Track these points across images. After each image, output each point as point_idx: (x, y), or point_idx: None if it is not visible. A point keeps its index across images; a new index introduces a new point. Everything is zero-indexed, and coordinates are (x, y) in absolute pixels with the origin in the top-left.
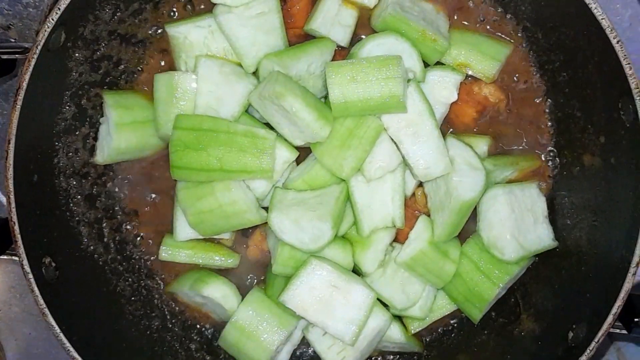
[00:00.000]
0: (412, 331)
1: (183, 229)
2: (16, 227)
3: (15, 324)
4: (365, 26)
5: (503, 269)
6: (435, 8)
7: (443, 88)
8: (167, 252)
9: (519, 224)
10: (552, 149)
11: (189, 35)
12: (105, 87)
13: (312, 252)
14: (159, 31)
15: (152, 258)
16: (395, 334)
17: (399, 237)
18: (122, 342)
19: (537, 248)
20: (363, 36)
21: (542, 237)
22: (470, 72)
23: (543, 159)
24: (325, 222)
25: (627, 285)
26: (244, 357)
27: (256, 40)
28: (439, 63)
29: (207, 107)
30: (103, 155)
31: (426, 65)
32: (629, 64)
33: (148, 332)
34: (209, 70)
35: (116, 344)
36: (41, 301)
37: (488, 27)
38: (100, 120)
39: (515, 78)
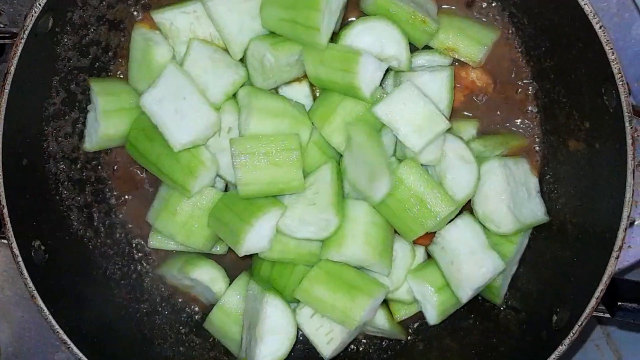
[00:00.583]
0: (398, 319)
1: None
2: (5, 211)
3: (8, 307)
4: (354, 9)
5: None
6: None
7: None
8: (157, 240)
9: (514, 197)
10: (538, 133)
11: (174, 21)
12: (94, 73)
13: (326, 238)
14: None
15: (141, 242)
16: (380, 320)
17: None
18: (111, 326)
19: (531, 221)
20: (352, 19)
21: (535, 210)
22: (457, 57)
23: (530, 142)
24: (328, 212)
25: (609, 269)
26: (229, 341)
27: (243, 27)
28: (426, 47)
29: None
30: (91, 142)
31: (415, 49)
32: (611, 49)
33: (138, 315)
34: (200, 55)
35: (106, 327)
36: (30, 284)
37: (475, 12)
38: (87, 108)
39: (502, 63)
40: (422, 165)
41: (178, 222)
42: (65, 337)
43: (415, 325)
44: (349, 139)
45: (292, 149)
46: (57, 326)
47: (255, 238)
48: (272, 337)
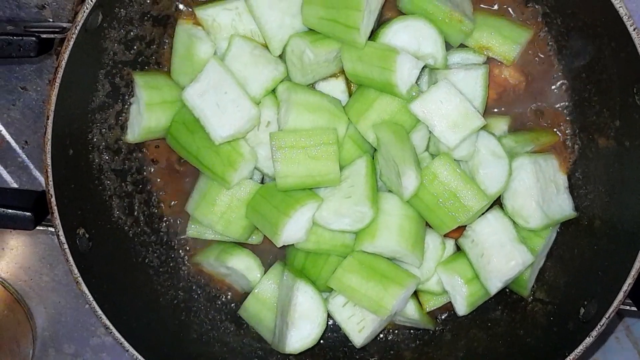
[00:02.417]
0: (427, 309)
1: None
2: (53, 200)
3: (45, 293)
4: (392, 8)
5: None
6: None
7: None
8: (194, 229)
9: (543, 193)
10: (568, 131)
11: (217, 17)
12: (137, 66)
13: (360, 230)
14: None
15: (179, 231)
16: (410, 310)
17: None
18: (150, 312)
19: (559, 217)
20: (389, 17)
21: (563, 206)
22: (491, 55)
23: (561, 139)
24: (363, 205)
25: (637, 264)
26: (262, 328)
27: (283, 24)
28: (461, 46)
29: None
30: (134, 134)
31: (449, 47)
32: None
33: (175, 302)
34: (241, 51)
35: (144, 313)
36: (75, 270)
37: (510, 11)
38: (130, 100)
39: (534, 61)
40: (455, 160)
41: (217, 213)
42: (107, 322)
43: (444, 316)
44: (377, 139)
45: (329, 143)
46: (99, 311)
47: (293, 229)
48: (303, 323)
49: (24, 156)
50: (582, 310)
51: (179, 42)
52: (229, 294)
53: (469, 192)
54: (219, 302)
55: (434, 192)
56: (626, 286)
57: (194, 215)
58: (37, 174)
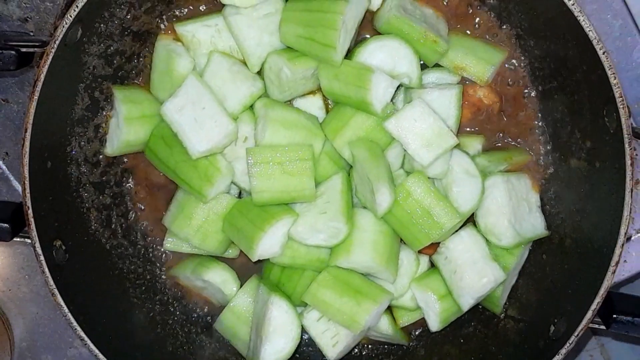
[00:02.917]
0: (401, 325)
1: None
2: (30, 212)
3: (23, 304)
4: (368, 27)
5: (506, 254)
6: (436, 13)
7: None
8: (171, 243)
9: (515, 212)
10: (541, 150)
11: (196, 33)
12: (117, 81)
13: (335, 245)
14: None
15: (156, 244)
16: (384, 326)
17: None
18: (126, 324)
19: (531, 235)
20: (367, 36)
21: (535, 225)
22: (465, 75)
23: (534, 159)
24: (338, 221)
25: (606, 283)
26: (238, 342)
27: (262, 41)
28: (436, 65)
29: None
30: (112, 147)
31: (425, 67)
32: (613, 73)
33: (151, 315)
34: (220, 66)
35: (120, 325)
36: (51, 282)
37: (484, 34)
38: (110, 114)
39: (508, 82)
40: (429, 178)
41: (193, 226)
42: (82, 334)
43: (418, 332)
44: (353, 156)
45: (305, 159)
46: (75, 323)
47: (268, 244)
48: (277, 337)
49: (4, 167)
50: (552, 328)
51: (158, 58)
52: (205, 307)
53: (442, 210)
54: (195, 315)
55: (407, 210)
56: (595, 305)
57: (171, 228)
58: (17, 185)
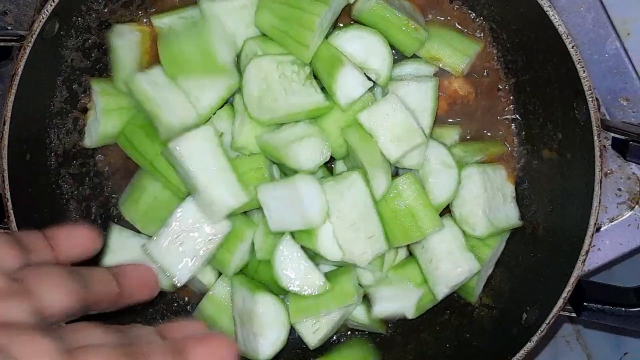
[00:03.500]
0: None
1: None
2: (9, 203)
3: None
4: (344, 17)
5: (482, 246)
6: (412, 5)
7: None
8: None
9: (490, 202)
10: (515, 141)
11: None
12: (95, 73)
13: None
14: (146, 22)
15: None
16: (360, 315)
17: None
18: (106, 315)
19: (505, 225)
20: (341, 25)
21: (509, 215)
22: (441, 66)
23: (508, 150)
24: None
25: (576, 272)
26: (217, 330)
27: (237, 32)
28: (413, 56)
29: (189, 92)
30: (91, 139)
31: (403, 57)
32: (582, 67)
33: (131, 305)
34: None
35: (101, 316)
36: None
37: (458, 26)
38: (88, 106)
39: (483, 74)
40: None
41: (139, 211)
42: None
43: (394, 320)
44: (345, 142)
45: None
46: None
47: (238, 259)
48: (270, 330)
49: None
50: (525, 316)
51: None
52: (186, 297)
53: (427, 216)
54: (175, 305)
55: (393, 208)
56: (565, 293)
57: (120, 209)
58: None
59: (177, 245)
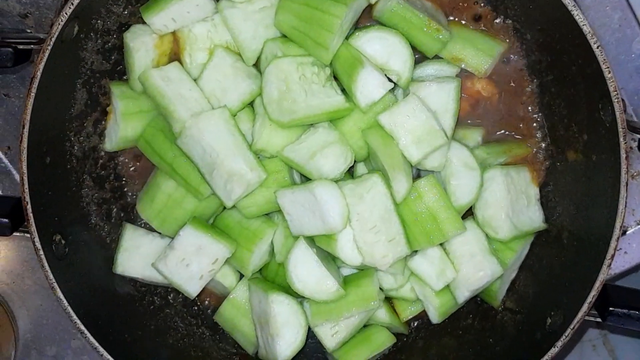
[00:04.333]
0: (404, 319)
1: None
2: (29, 207)
3: (27, 296)
4: (366, 17)
5: (505, 249)
6: (434, 5)
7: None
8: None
9: (513, 205)
10: (540, 143)
11: (193, 28)
12: (115, 76)
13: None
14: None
15: None
16: (381, 314)
17: None
18: (126, 317)
19: (528, 229)
20: (361, 26)
21: (533, 218)
22: (464, 66)
23: (532, 152)
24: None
25: (602, 276)
26: (237, 334)
27: (257, 34)
28: (435, 57)
29: (211, 94)
30: (111, 142)
31: (425, 58)
32: (608, 67)
33: (151, 308)
34: (223, 62)
35: (120, 319)
36: (51, 276)
37: (482, 26)
38: (108, 109)
39: (506, 75)
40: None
41: (154, 209)
42: (82, 327)
43: (416, 323)
44: (367, 144)
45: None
46: (75, 316)
47: (257, 258)
48: (287, 330)
49: (6, 161)
50: (549, 321)
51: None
52: (207, 300)
53: (449, 218)
54: (195, 307)
55: (415, 211)
56: (590, 298)
57: (137, 208)
58: (19, 178)
59: (184, 266)
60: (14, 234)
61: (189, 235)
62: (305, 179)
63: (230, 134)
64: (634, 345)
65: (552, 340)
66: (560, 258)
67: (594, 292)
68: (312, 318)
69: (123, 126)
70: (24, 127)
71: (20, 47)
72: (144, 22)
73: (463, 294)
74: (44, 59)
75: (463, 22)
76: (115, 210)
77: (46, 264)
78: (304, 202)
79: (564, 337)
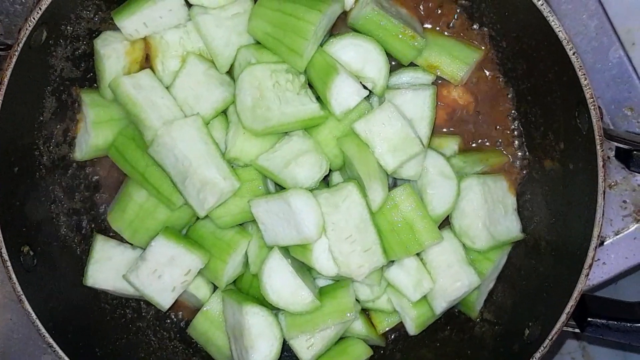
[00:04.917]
0: (381, 331)
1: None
2: None
3: None
4: (340, 25)
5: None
6: (409, 13)
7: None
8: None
9: (490, 214)
10: (516, 152)
11: (165, 35)
12: (85, 84)
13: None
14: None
15: None
16: (357, 326)
17: None
18: (97, 330)
19: (505, 238)
20: (336, 33)
21: (511, 228)
22: (439, 74)
23: (509, 161)
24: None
25: (580, 286)
26: (211, 347)
27: (230, 41)
28: (411, 64)
29: (184, 102)
30: (81, 151)
31: (400, 65)
32: (584, 74)
33: (123, 321)
34: (195, 69)
35: (91, 332)
36: (19, 289)
37: (457, 34)
38: (78, 117)
39: (483, 83)
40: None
41: (125, 220)
42: (51, 340)
43: (393, 335)
44: (342, 153)
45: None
46: (43, 330)
47: (231, 269)
48: (262, 342)
49: None
50: (527, 332)
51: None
52: (180, 312)
53: (425, 228)
54: (168, 321)
55: (390, 220)
56: (569, 308)
57: (108, 219)
58: None
59: (156, 277)
60: None
61: (161, 245)
62: (280, 188)
63: (203, 142)
64: (613, 357)
65: (530, 351)
66: (538, 268)
67: (572, 302)
68: (287, 330)
69: (94, 135)
70: None
71: None
72: (115, 29)
73: (440, 305)
74: (12, 65)
75: (438, 29)
76: (85, 221)
77: (14, 276)
78: (278, 212)
79: (542, 348)
